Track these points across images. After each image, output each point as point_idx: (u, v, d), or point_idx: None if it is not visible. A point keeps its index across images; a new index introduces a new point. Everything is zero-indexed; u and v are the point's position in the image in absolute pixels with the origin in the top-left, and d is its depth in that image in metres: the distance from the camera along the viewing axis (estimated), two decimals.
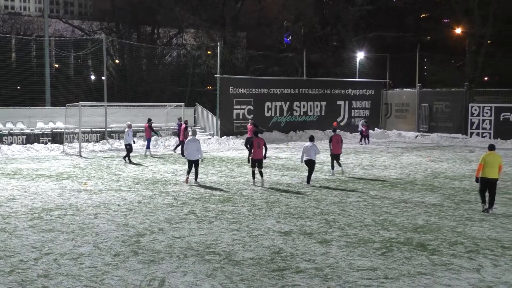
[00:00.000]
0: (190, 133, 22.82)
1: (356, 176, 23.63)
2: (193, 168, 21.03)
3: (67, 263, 11.19)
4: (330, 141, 23.97)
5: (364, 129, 39.30)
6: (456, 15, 59.01)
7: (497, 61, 55.94)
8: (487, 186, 16.34)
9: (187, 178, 21.13)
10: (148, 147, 30.60)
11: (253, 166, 21.14)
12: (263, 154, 21.05)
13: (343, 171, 23.94)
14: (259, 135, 22.29)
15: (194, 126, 40.14)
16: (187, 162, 21.22)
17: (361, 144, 38.79)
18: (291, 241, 12.91)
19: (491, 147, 16.50)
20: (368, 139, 39.44)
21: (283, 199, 18.09)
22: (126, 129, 27.99)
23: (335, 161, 23.90)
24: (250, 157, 21.26)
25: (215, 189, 20.04)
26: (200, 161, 21.52)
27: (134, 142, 28.37)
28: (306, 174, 21.41)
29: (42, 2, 40.57)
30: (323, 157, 30.83)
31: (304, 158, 21.21)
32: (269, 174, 23.70)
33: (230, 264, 11.15)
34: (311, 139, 21.63)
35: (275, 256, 11.74)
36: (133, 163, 26.97)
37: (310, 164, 21.12)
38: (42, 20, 41.68)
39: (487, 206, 16.42)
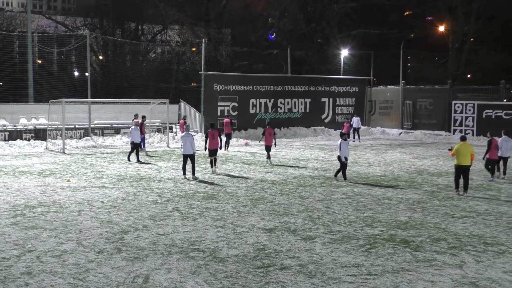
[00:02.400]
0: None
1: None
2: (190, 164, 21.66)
3: (50, 260, 11.11)
4: (263, 134, 26.65)
5: (346, 126, 37.67)
6: (439, 13, 59.40)
7: (480, 58, 56.43)
8: (461, 172, 18.64)
9: (184, 173, 21.66)
10: (144, 144, 29.78)
11: (210, 155, 23.15)
12: (219, 145, 23.38)
13: (270, 162, 26.09)
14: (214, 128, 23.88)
15: (178, 122, 40.01)
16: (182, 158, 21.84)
17: (354, 141, 38.49)
18: (276, 238, 12.92)
19: (463, 138, 18.97)
20: (348, 136, 38.27)
21: (268, 196, 18.09)
22: (133, 126, 27.00)
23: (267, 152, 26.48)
24: (207, 148, 23.18)
25: (200, 186, 20.00)
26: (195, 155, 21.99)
27: (141, 141, 27.36)
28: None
29: None
30: (307, 153, 30.90)
31: (338, 154, 21.55)
32: (254, 171, 23.71)
33: (215, 261, 11.14)
34: (342, 135, 21.78)
35: (260, 253, 11.74)
36: (141, 162, 26.06)
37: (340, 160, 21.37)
38: (25, 16, 41.35)
39: (461, 192, 18.63)
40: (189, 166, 21.69)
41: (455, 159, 18.83)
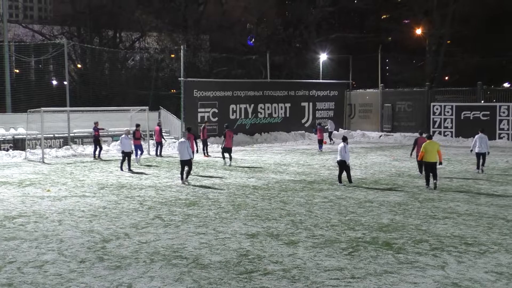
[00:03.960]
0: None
1: (322, 177, 23.75)
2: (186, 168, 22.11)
3: (31, 271, 11.00)
4: (224, 136, 28.27)
5: (320, 130, 35.96)
6: (416, 16, 59.89)
7: (456, 60, 56.93)
8: (429, 168, 20.28)
9: (183, 180, 21.96)
10: (137, 154, 29.16)
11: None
12: (195, 149, 24.72)
13: (230, 164, 27.38)
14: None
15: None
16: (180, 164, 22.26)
17: (332, 143, 38.56)
18: (258, 243, 12.91)
19: (429, 137, 21.04)
20: (324, 142, 36.83)
21: (250, 202, 18.08)
22: (123, 135, 26.46)
23: (225, 154, 27.87)
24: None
25: (181, 192, 19.94)
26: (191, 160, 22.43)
27: (132, 151, 26.77)
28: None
29: (1, 6, 39.85)
30: (288, 158, 30.95)
31: (338, 159, 21.34)
32: (235, 177, 23.68)
33: (198, 268, 11.10)
34: (344, 139, 21.55)
35: (243, 258, 11.72)
36: (132, 171, 25.62)
37: (343, 164, 21.15)
38: (1, 25, 40.95)
39: (432, 186, 20.19)
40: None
41: (423, 156, 20.37)
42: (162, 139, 33.24)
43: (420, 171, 23.48)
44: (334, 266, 11.21)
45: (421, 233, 13.83)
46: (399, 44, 61.71)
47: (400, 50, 59.76)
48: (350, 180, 21.29)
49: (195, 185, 21.51)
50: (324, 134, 37.05)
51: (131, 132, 28.20)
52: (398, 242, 12.93)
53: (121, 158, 26.33)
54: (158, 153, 32.80)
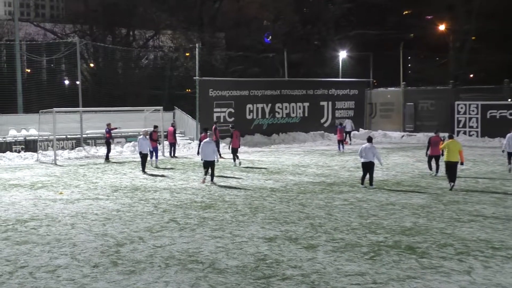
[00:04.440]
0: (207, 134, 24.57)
1: (342, 178, 23.67)
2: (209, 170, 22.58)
3: (43, 276, 11.06)
4: (231, 136, 28.88)
5: (339, 131, 36.30)
6: (439, 11, 59.49)
7: (482, 57, 56.45)
8: (450, 168, 20.49)
9: (204, 179, 22.54)
10: (156, 156, 29.18)
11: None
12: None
13: (240, 163, 28.17)
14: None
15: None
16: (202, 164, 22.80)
17: (349, 144, 38.47)
18: (276, 247, 12.88)
19: (451, 136, 21.34)
20: (343, 141, 37.04)
21: (267, 204, 18.06)
22: (140, 136, 26.79)
23: (235, 154, 28.51)
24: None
25: (197, 195, 19.97)
26: (216, 162, 22.88)
27: (151, 151, 27.16)
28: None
29: (12, 4, 40.21)
30: (307, 159, 30.89)
31: (362, 160, 21.16)
32: (252, 179, 23.68)
33: (214, 273, 11.10)
34: (369, 139, 21.57)
35: (260, 263, 11.70)
36: (147, 174, 25.66)
37: (368, 166, 21.04)
38: (12, 24, 41.36)
39: (450, 185, 20.44)
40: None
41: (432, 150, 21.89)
42: (175, 141, 33.46)
43: (430, 168, 24.36)
44: (355, 271, 11.16)
45: (445, 236, 13.72)
46: (422, 41, 61.35)
47: (422, 47, 59.44)
48: (371, 183, 21.18)
49: (210, 188, 21.54)
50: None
51: (149, 133, 28.22)
52: (422, 246, 12.84)
53: (140, 160, 26.42)
54: (172, 154, 32.92)
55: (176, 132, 34.19)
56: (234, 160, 28.41)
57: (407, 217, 15.92)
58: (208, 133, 24.90)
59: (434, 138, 24.23)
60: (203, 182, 22.43)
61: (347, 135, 40.27)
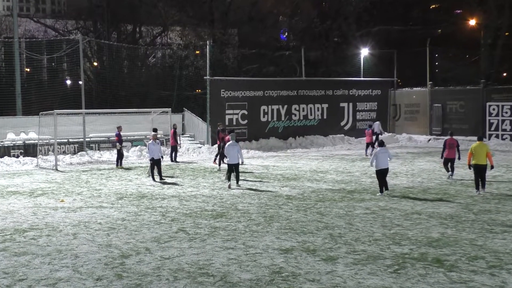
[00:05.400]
0: (229, 137, 25.09)
1: (363, 185, 23.62)
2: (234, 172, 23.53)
3: None
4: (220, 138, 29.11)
5: (369, 133, 36.65)
6: (469, 5, 59.22)
7: None
8: (479, 172, 20.96)
9: (230, 184, 23.37)
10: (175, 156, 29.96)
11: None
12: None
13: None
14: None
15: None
16: (227, 167, 23.96)
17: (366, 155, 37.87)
18: (293, 259, 12.88)
19: (480, 138, 21.58)
20: (372, 147, 36.83)
21: (283, 213, 18.06)
22: (150, 141, 26.25)
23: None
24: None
25: (207, 203, 20.00)
26: (240, 165, 23.83)
27: (162, 157, 26.58)
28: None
29: (11, 0, 40.48)
30: (326, 165, 30.85)
31: (378, 167, 21.07)
32: (267, 186, 23.69)
33: (226, 286, 11.11)
34: (381, 143, 21.68)
35: (276, 276, 11.70)
36: (155, 180, 25.48)
37: (384, 172, 21.11)
38: (11, 20, 41.71)
39: (481, 191, 21.00)
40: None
41: (470, 158, 21.17)
42: (177, 144, 33.62)
43: (447, 170, 25.40)
44: (377, 285, 11.13)
45: (476, 248, 13.65)
46: (450, 37, 61.10)
47: (451, 44, 59.15)
48: (387, 187, 21.29)
49: (222, 195, 21.57)
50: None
51: (158, 136, 28.13)
52: (450, 259, 12.79)
53: (150, 166, 26.10)
54: (173, 159, 32.94)
55: (177, 134, 34.24)
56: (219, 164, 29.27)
57: (434, 227, 15.85)
58: (231, 135, 25.08)
59: (449, 141, 25.07)
60: (230, 187, 23.17)
61: (377, 137, 39.79)
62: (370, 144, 35.40)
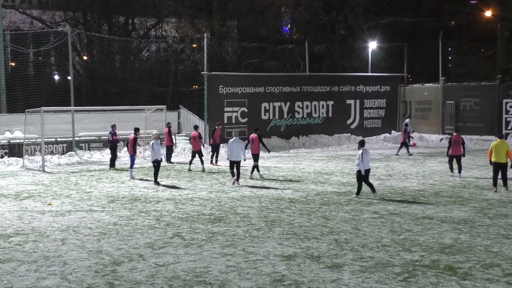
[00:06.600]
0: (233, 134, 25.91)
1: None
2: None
3: None
4: (249, 141, 28.30)
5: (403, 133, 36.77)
6: None
7: None
8: (499, 169, 22.10)
9: (235, 179, 24.48)
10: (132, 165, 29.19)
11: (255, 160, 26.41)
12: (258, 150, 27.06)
13: (260, 175, 27.05)
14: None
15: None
16: (229, 164, 24.84)
17: (410, 155, 36.33)
18: (296, 266, 12.90)
19: (501, 136, 23.11)
20: (407, 147, 36.71)
21: (285, 217, 18.08)
22: (153, 141, 25.72)
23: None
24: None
25: (205, 206, 20.02)
26: (242, 162, 24.72)
27: (161, 159, 26.00)
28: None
29: None
30: (331, 166, 30.87)
31: (360, 168, 21.25)
32: (268, 188, 23.71)
33: None
34: (362, 143, 21.67)
35: (277, 284, 11.73)
36: (159, 184, 25.20)
37: (367, 172, 21.24)
38: None
39: (496, 189, 22.07)
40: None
41: (491, 156, 22.31)
42: (172, 143, 33.74)
43: (451, 169, 26.53)
44: None
45: (491, 255, 13.67)
46: (464, 29, 61.09)
47: (465, 37, 59.17)
48: (373, 190, 21.53)
49: (220, 198, 21.59)
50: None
51: (161, 136, 28.11)
52: (464, 267, 12.81)
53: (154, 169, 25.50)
54: (168, 160, 32.93)
55: (172, 133, 34.29)
56: (257, 170, 27.16)
57: (447, 233, 15.88)
58: (236, 132, 25.78)
59: (454, 138, 26.40)
60: (234, 183, 24.38)
61: (409, 136, 39.04)
62: (404, 144, 35.75)
